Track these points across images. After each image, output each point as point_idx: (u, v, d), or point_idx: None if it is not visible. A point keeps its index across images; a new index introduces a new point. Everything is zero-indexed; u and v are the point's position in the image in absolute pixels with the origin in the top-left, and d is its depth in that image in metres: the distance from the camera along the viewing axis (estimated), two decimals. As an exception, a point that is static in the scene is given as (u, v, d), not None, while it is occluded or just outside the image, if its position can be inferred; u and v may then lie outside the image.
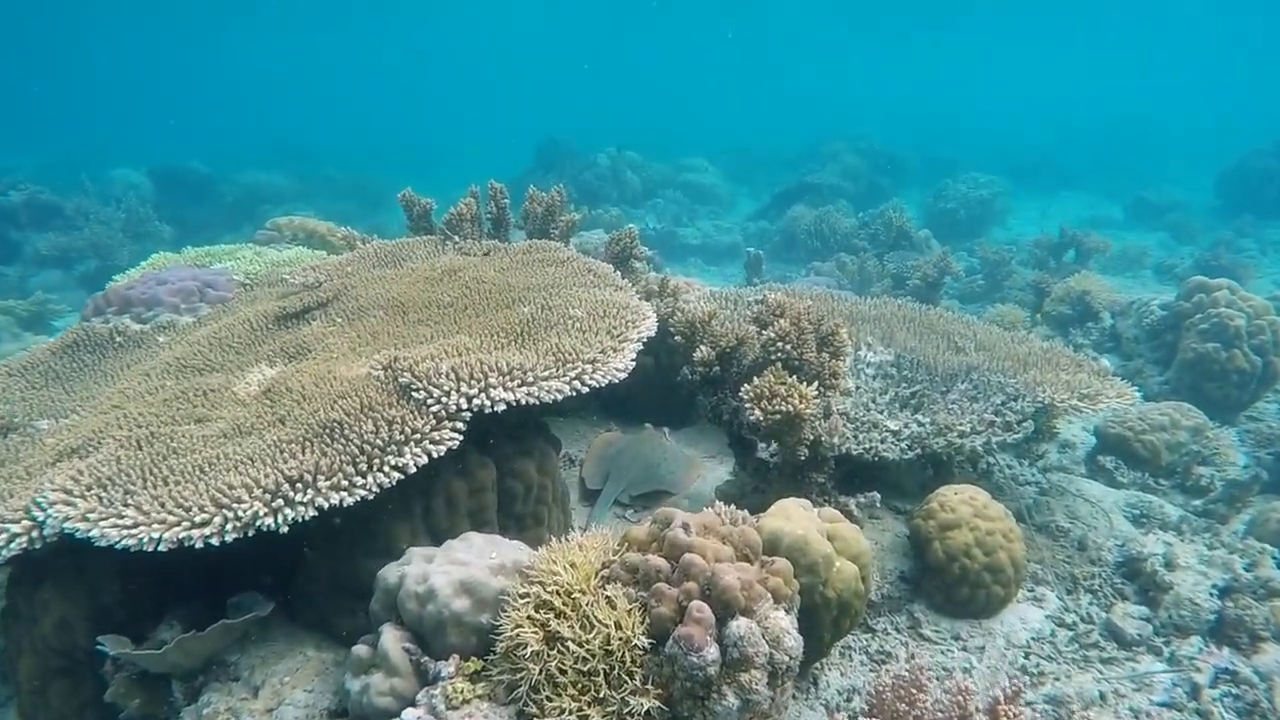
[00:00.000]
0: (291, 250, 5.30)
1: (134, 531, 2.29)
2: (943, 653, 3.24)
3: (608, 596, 2.27)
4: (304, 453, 2.54)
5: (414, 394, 2.72)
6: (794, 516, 2.79)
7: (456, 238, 4.41)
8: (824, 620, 2.68)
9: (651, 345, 4.73)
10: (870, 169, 17.65)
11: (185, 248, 5.19)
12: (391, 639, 2.37)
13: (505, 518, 2.97)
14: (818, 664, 3.04)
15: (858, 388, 4.27)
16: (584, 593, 2.32)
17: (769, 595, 2.26)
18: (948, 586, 3.38)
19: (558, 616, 2.27)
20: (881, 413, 4.11)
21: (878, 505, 3.68)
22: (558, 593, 2.31)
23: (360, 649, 2.42)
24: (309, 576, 2.82)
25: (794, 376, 3.29)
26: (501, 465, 2.94)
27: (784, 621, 2.21)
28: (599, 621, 2.19)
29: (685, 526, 2.42)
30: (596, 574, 2.37)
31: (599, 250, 5.15)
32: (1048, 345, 4.74)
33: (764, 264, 9.96)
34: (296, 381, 3.07)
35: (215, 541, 2.31)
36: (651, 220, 14.84)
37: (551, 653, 2.21)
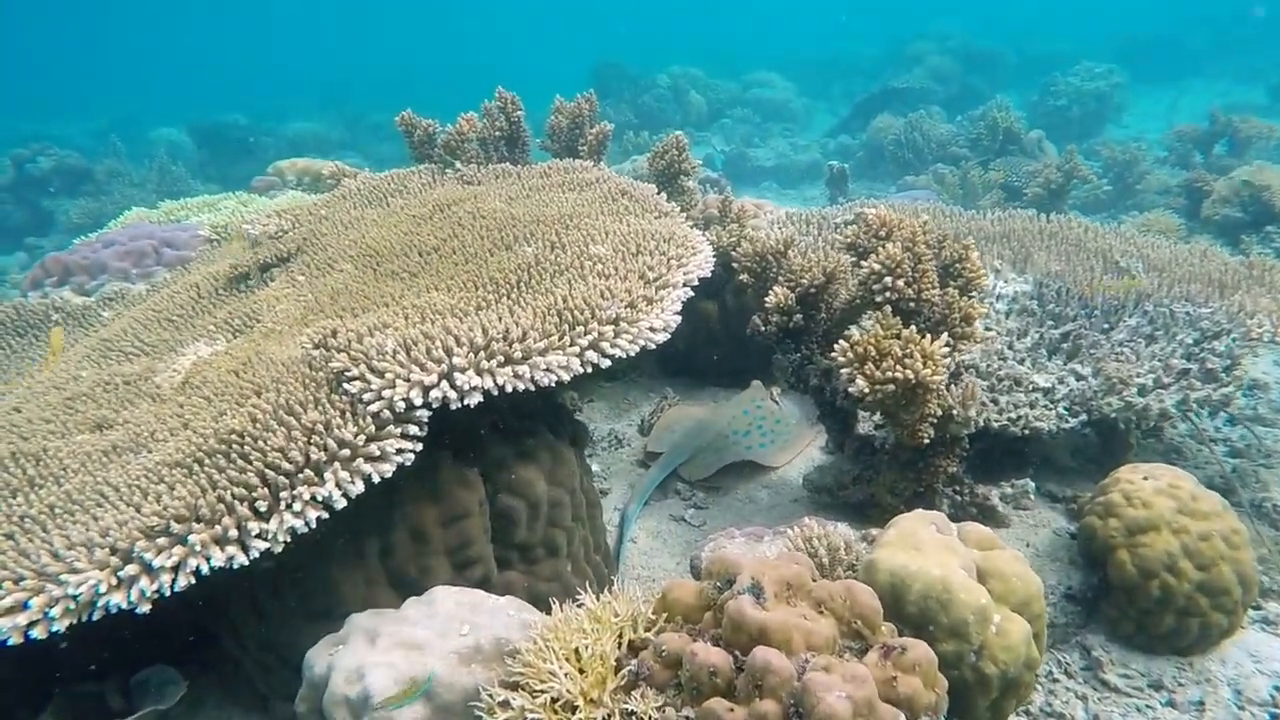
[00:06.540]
0: (285, 195, 4.50)
1: (-82, 621, 1.52)
2: (1139, 709, 2.26)
3: (633, 716, 1.39)
4: (184, 484, 1.72)
5: (348, 385, 1.85)
6: (925, 545, 1.84)
7: (458, 164, 3.50)
8: (977, 706, 1.75)
9: (714, 285, 3.79)
10: (962, 69, 15.68)
11: (163, 202, 4.44)
12: (313, 768, 1.57)
13: (504, 548, 2.10)
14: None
15: (988, 329, 3.21)
16: (596, 704, 1.45)
17: (900, 716, 1.34)
18: (1142, 614, 2.37)
19: (552, 751, 1.41)
20: (1023, 362, 3.06)
21: (1030, 496, 2.67)
22: (551, 708, 1.44)
23: (277, 774, 1.63)
24: (238, 642, 2.04)
25: (910, 326, 2.28)
26: (493, 477, 2.06)
27: (932, 771, 1.28)
28: (615, 770, 1.32)
29: (756, 589, 1.49)
30: (616, 671, 1.49)
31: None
32: (1250, 259, 3.53)
33: (849, 180, 8.66)
34: (217, 368, 2.25)
35: (38, 634, 1.52)
36: (719, 142, 13.49)
37: (543, 814, 1.36)
